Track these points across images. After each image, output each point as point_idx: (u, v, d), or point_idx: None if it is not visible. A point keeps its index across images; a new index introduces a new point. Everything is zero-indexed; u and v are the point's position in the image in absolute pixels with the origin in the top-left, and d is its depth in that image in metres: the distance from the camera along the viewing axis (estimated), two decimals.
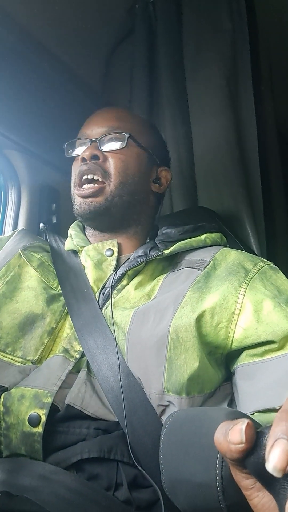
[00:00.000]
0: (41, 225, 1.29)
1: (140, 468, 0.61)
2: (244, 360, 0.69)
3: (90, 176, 0.85)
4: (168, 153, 1.03)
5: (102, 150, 0.87)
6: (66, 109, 1.25)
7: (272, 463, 0.28)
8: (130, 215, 0.90)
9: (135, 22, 1.40)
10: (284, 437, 0.29)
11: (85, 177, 0.86)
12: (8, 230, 1.28)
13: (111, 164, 0.86)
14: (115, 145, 0.87)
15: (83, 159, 0.87)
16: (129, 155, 0.88)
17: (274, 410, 0.62)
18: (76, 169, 0.89)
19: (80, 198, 0.87)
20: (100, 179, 0.85)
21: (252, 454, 0.32)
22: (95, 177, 0.85)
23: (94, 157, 0.86)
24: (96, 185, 0.85)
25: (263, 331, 0.67)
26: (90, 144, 0.88)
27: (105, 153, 0.87)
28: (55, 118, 1.24)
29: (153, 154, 0.93)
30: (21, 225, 1.28)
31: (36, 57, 1.13)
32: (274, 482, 0.31)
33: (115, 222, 0.89)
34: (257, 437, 0.33)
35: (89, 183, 0.86)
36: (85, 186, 0.86)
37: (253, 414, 0.63)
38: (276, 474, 0.28)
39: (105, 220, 0.88)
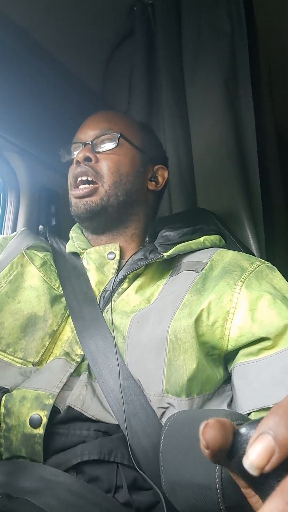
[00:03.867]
0: (40, 227, 1.29)
1: (140, 470, 0.61)
2: (240, 359, 0.69)
3: (84, 178, 0.87)
4: (165, 152, 1.04)
5: (95, 151, 0.88)
6: (65, 111, 1.25)
7: (250, 459, 0.26)
8: (128, 215, 0.90)
9: (134, 24, 1.40)
10: (269, 432, 0.26)
11: (79, 179, 0.87)
12: (7, 232, 1.28)
13: (104, 165, 0.87)
14: (107, 146, 0.88)
15: (77, 162, 0.88)
16: (121, 154, 0.89)
17: (269, 409, 0.62)
18: (71, 172, 0.90)
19: (75, 199, 0.88)
20: (93, 180, 0.86)
21: (234, 454, 0.29)
22: (89, 178, 0.86)
23: (87, 159, 0.87)
24: (90, 185, 0.86)
25: (257, 329, 0.67)
26: (83, 147, 0.89)
27: (98, 155, 0.88)
28: (54, 120, 1.24)
29: (147, 152, 0.93)
30: (20, 227, 1.28)
31: (35, 59, 1.13)
32: (262, 482, 0.28)
33: (112, 222, 0.89)
34: (237, 434, 0.30)
35: (84, 184, 0.87)
36: (80, 186, 0.87)
37: (249, 414, 0.64)
38: (252, 471, 0.26)
39: (102, 220, 0.88)
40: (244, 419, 0.51)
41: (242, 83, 1.25)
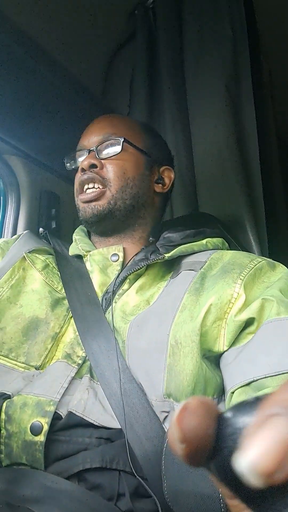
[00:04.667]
0: (41, 230, 1.29)
1: (139, 479, 0.61)
2: (228, 348, 0.69)
3: (90, 185, 0.87)
4: (170, 152, 1.03)
5: (100, 158, 0.88)
6: (66, 114, 1.25)
7: (249, 458, 0.16)
8: (135, 219, 0.90)
9: (136, 28, 1.40)
10: (285, 411, 0.16)
11: (86, 186, 0.88)
12: (7, 235, 1.28)
13: (109, 170, 0.87)
14: (112, 151, 0.88)
15: (82, 170, 0.88)
16: (126, 159, 0.88)
17: (250, 384, 0.61)
18: (77, 179, 0.90)
19: (83, 203, 0.88)
20: (100, 187, 0.86)
21: (217, 450, 0.19)
22: (95, 185, 0.86)
23: (92, 166, 0.87)
24: (97, 189, 0.86)
25: (241, 315, 0.67)
26: (88, 153, 0.89)
27: (103, 161, 0.88)
28: (55, 123, 1.24)
29: (152, 154, 0.93)
30: (20, 230, 1.28)
31: (37, 62, 1.13)
32: (262, 500, 0.17)
33: (120, 226, 0.89)
34: (222, 421, 0.19)
35: (91, 189, 0.87)
36: (87, 191, 0.87)
37: (233, 393, 0.63)
38: (253, 479, 0.15)
39: (110, 224, 0.88)
40: None
41: (243, 87, 1.25)
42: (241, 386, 0.62)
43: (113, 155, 0.87)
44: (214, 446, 0.19)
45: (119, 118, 0.97)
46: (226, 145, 1.22)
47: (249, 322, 0.67)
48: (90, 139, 0.91)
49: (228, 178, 1.20)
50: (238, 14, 1.27)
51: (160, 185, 0.94)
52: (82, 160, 0.89)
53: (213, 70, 1.27)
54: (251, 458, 0.16)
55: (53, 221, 1.34)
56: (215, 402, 0.17)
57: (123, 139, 0.87)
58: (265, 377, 0.60)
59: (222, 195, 1.20)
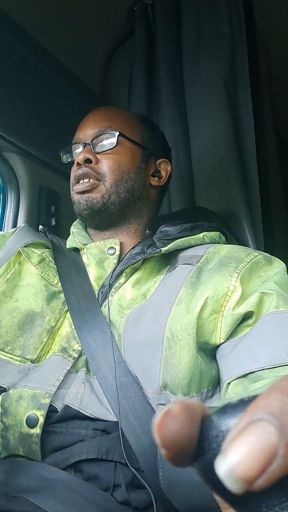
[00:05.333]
0: (40, 227, 1.29)
1: (133, 469, 0.61)
2: (225, 341, 0.69)
3: (85, 180, 0.86)
4: (167, 143, 1.02)
5: (95, 151, 0.87)
6: (65, 111, 1.26)
7: (228, 462, 0.16)
8: (131, 212, 0.90)
9: (134, 25, 1.41)
10: (269, 417, 0.16)
11: (81, 181, 0.87)
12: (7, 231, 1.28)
13: (104, 165, 0.86)
14: (107, 145, 0.87)
15: (78, 164, 0.87)
16: (121, 152, 0.88)
17: (245, 377, 0.61)
18: (73, 173, 0.90)
19: (77, 195, 0.87)
20: (95, 181, 0.86)
21: (201, 452, 0.19)
22: (90, 180, 0.86)
23: (88, 161, 0.87)
24: (91, 181, 0.86)
25: (241, 308, 0.67)
26: (83, 147, 0.89)
27: (98, 155, 0.87)
28: (54, 120, 1.24)
29: (148, 147, 0.92)
30: None
31: (36, 59, 1.13)
32: (248, 504, 0.17)
33: (115, 219, 0.89)
34: (208, 422, 0.19)
35: (86, 182, 0.87)
36: (81, 181, 0.87)
37: (229, 384, 0.63)
38: (232, 485, 0.15)
39: (105, 218, 0.88)
40: None
41: (241, 83, 1.25)
42: (238, 378, 0.62)
43: (108, 149, 0.87)
44: (198, 447, 0.19)
45: (115, 111, 0.96)
46: (224, 141, 1.22)
47: (247, 316, 0.67)
48: (86, 132, 0.90)
49: (226, 173, 1.20)
50: (236, 11, 1.28)
51: (157, 178, 0.94)
52: (77, 154, 0.89)
53: (211, 67, 1.28)
54: (230, 464, 0.15)
55: (53, 218, 1.34)
56: (200, 404, 0.17)
57: (118, 133, 0.87)
58: (262, 369, 0.60)
59: (219, 190, 1.21)
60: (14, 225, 1.29)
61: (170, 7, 1.37)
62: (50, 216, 1.35)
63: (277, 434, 0.15)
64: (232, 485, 0.15)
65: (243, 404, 0.18)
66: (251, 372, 0.61)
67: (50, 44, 1.18)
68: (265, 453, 0.15)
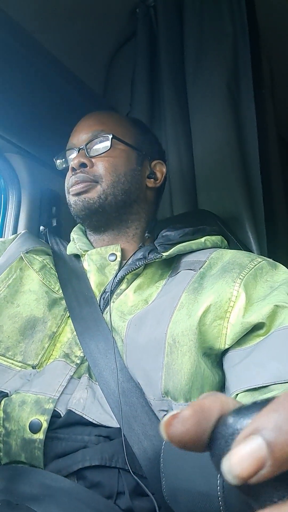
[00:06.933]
0: (41, 228, 1.29)
1: (136, 477, 0.61)
2: (230, 349, 0.68)
3: (81, 185, 0.86)
4: (161, 146, 1.02)
5: (90, 156, 0.87)
6: (67, 113, 1.25)
7: (231, 461, 0.19)
8: (128, 215, 0.89)
9: (137, 26, 1.40)
10: (262, 434, 0.19)
11: (76, 185, 0.86)
12: (8, 232, 1.28)
13: (100, 167, 0.86)
14: (101, 148, 0.87)
15: (73, 169, 0.87)
16: (116, 155, 0.88)
17: (254, 390, 0.60)
18: (68, 179, 0.89)
19: (74, 197, 0.87)
20: (91, 183, 0.85)
21: (217, 445, 0.22)
22: (87, 183, 0.85)
23: (83, 165, 0.86)
24: (87, 182, 0.85)
25: (251, 317, 0.65)
26: (78, 152, 0.89)
27: (93, 159, 0.87)
28: (56, 121, 1.24)
29: (142, 149, 0.92)
30: (21, 227, 1.28)
31: (38, 61, 1.13)
32: (256, 491, 0.21)
33: (113, 221, 0.88)
34: (224, 423, 0.22)
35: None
36: (76, 185, 0.86)
37: (237, 395, 0.62)
38: (230, 478, 0.19)
39: (102, 219, 0.87)
40: None
41: (244, 85, 1.24)
42: (248, 390, 0.61)
43: (103, 152, 0.86)
44: (214, 442, 0.22)
45: (108, 115, 0.96)
46: (226, 143, 1.22)
47: (258, 326, 0.66)
48: (79, 137, 0.90)
49: (228, 176, 1.20)
50: (239, 12, 1.27)
51: (152, 180, 0.93)
52: (72, 159, 0.88)
53: (213, 68, 1.27)
54: (229, 464, 0.19)
55: (54, 219, 1.34)
56: (219, 404, 0.18)
57: (111, 136, 0.86)
58: (275, 384, 0.58)
59: (221, 192, 1.20)
60: (16, 226, 1.28)
61: (172, 8, 1.37)
62: (52, 217, 1.34)
63: (265, 448, 0.19)
64: (231, 480, 0.20)
65: (256, 406, 0.22)
66: (263, 386, 0.59)
67: (53, 45, 1.18)
68: (256, 462, 0.19)
